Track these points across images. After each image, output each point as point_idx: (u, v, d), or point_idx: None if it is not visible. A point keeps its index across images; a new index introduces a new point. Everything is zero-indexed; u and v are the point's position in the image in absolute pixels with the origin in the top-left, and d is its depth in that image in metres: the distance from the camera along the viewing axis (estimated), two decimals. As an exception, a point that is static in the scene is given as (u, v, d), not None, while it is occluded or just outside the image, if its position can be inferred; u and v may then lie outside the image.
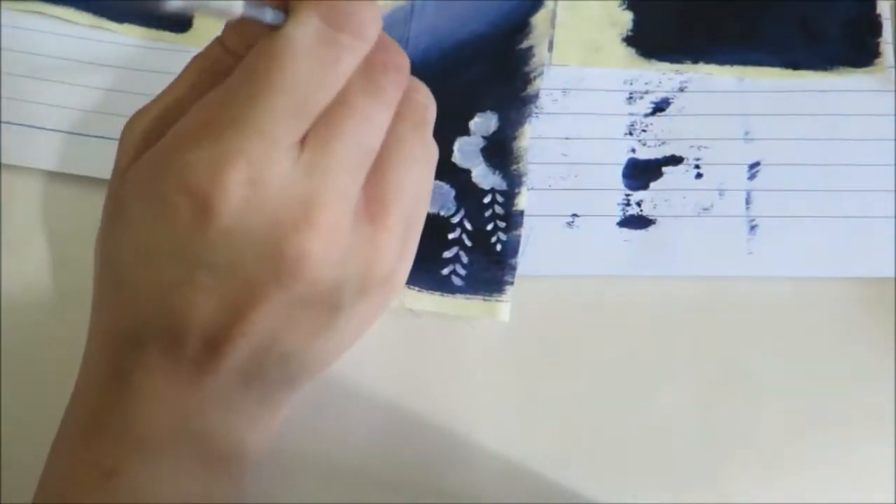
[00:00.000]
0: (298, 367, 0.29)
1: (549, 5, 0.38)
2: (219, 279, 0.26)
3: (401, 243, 0.29)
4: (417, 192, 0.29)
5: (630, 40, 0.38)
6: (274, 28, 0.26)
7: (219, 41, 0.29)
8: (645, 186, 0.36)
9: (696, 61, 0.37)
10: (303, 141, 0.26)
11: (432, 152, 0.30)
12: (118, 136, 0.29)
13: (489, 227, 0.35)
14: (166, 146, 0.26)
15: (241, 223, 0.25)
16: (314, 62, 0.25)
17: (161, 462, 0.27)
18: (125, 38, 0.38)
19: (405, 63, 0.28)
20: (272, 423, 0.31)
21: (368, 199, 0.27)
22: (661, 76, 0.37)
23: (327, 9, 0.26)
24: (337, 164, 0.26)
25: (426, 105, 0.29)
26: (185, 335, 0.27)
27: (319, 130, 0.26)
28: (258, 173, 0.25)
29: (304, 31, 0.26)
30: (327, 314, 0.28)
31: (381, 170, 0.27)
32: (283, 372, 0.29)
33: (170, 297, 0.27)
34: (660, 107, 0.37)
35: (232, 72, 0.27)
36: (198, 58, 0.29)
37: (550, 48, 0.38)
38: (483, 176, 0.36)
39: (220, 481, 0.29)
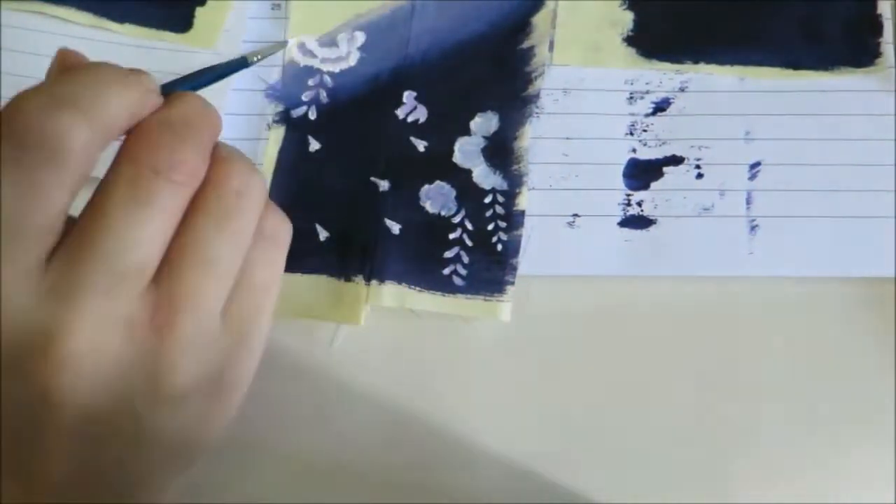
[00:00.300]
0: (130, 486, 0.26)
1: (549, 5, 0.38)
2: None
3: (203, 351, 0.25)
4: (248, 291, 0.26)
5: (630, 40, 0.38)
6: None
7: None
8: (645, 186, 0.36)
9: (696, 61, 0.37)
10: (49, 260, 0.23)
11: (260, 244, 0.26)
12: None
13: (490, 227, 0.35)
14: None
15: None
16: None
17: None
18: (125, 38, 0.38)
19: (186, 157, 0.24)
20: None
21: (155, 308, 0.24)
22: (662, 76, 0.37)
23: None
24: (85, 285, 0.23)
25: (236, 192, 0.25)
26: None
27: (68, 247, 0.23)
28: None
29: None
30: (126, 435, 0.25)
31: (172, 274, 0.24)
32: (118, 490, 0.26)
33: None
34: (660, 107, 0.37)
35: None
36: None
37: (551, 48, 0.38)
38: (484, 176, 0.36)
39: None
